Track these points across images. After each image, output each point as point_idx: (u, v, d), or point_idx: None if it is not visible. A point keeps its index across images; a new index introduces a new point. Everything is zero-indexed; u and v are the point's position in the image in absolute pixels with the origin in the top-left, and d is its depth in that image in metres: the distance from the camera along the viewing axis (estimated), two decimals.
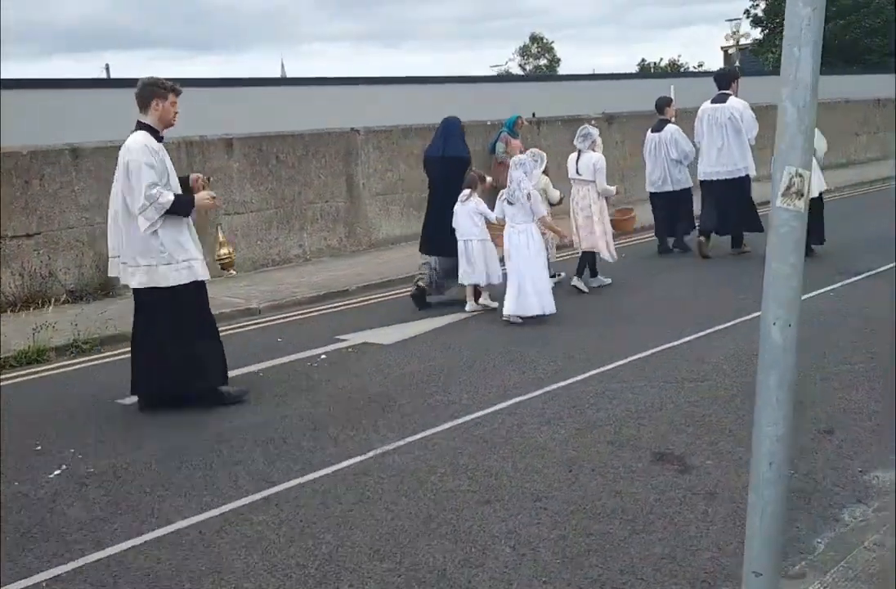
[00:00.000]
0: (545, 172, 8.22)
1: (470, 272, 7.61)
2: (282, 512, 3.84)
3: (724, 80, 9.94)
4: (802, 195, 2.06)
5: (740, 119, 9.54)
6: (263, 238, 10.63)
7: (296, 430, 4.89)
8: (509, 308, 7.09)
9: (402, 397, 5.35)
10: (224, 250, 6.67)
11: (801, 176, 2.04)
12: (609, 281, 8.58)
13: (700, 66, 61.72)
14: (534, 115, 14.56)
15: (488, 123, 13.21)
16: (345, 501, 3.90)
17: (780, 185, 2.07)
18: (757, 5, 32.39)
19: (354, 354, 6.48)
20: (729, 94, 9.80)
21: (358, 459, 4.38)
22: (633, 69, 65.63)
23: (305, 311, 8.19)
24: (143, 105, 5.25)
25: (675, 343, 6.21)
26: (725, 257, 9.76)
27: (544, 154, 7.92)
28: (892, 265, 8.64)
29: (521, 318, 7.10)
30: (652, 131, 10.42)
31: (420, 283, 7.96)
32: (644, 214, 11.06)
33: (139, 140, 5.17)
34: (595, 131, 8.46)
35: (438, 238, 7.87)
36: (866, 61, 29.58)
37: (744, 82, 18.43)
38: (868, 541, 3.13)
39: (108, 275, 5.57)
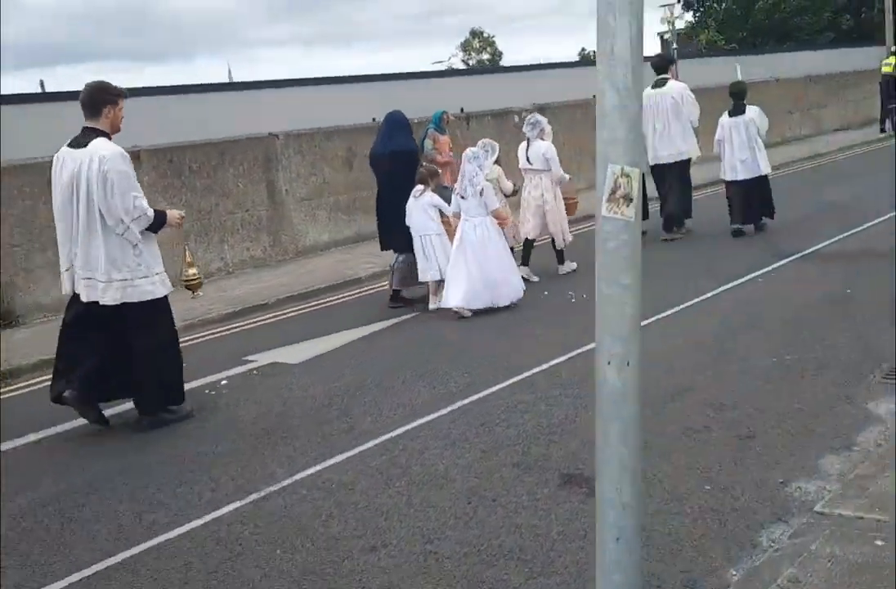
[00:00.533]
0: (497, 162, 8.12)
1: (428, 269, 7.39)
2: (137, 579, 3.36)
3: (662, 65, 9.85)
4: (631, 200, 1.63)
5: (681, 102, 9.44)
6: (180, 254, 10.09)
7: (172, 474, 4.39)
8: (458, 300, 6.92)
9: (299, 427, 4.87)
10: (192, 271, 6.30)
11: (627, 176, 1.61)
12: (575, 265, 8.30)
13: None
14: (462, 110, 14.12)
15: (415, 121, 12.74)
16: (211, 560, 3.43)
17: (603, 188, 1.64)
18: None
19: (258, 378, 5.99)
20: (668, 79, 9.69)
21: (236, 505, 3.91)
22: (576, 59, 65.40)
23: (218, 330, 7.66)
24: (94, 112, 4.90)
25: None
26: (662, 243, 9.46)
27: (496, 144, 7.80)
28: (819, 246, 8.36)
29: (471, 310, 6.95)
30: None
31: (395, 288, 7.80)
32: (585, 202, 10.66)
33: (111, 147, 4.84)
34: (543, 119, 8.28)
35: (403, 233, 7.61)
36: (797, 39, 29.54)
37: (679, 65, 18.20)
38: (782, 577, 2.74)
39: (63, 292, 5.13)
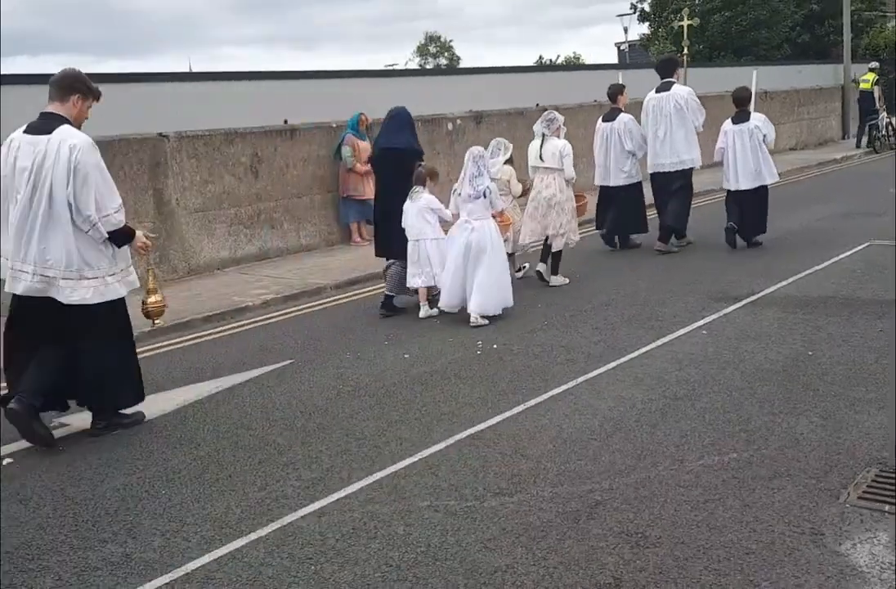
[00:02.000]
0: (510, 162, 7.82)
1: (418, 274, 6.91)
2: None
3: (668, 68, 9.30)
4: None
5: (685, 107, 8.96)
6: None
7: None
8: (476, 306, 6.53)
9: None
10: (154, 297, 6.23)
11: None
12: (567, 281, 7.87)
13: (578, 58, 61.24)
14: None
15: (334, 126, 11.39)
16: None
17: None
18: (643, 0, 31.35)
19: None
20: (673, 82, 9.17)
21: None
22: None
23: None
24: (62, 95, 4.49)
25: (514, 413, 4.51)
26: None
27: (508, 143, 7.57)
28: (778, 286, 7.19)
29: (486, 318, 6.57)
30: (604, 121, 9.43)
31: (388, 293, 7.22)
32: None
33: (81, 136, 4.40)
34: (560, 116, 7.82)
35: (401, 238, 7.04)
36: (754, 53, 28.73)
37: (634, 75, 17.01)
38: None
39: (6, 289, 4.56)
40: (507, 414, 4.52)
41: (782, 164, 17.43)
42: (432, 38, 72.82)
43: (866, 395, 4.55)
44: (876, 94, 21.49)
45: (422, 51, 72.76)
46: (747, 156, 8.85)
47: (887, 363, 5.05)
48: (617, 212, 9.27)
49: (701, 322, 6.20)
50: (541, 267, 7.87)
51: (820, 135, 23.71)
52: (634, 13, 30.78)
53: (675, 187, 9.07)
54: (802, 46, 30.54)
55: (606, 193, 9.40)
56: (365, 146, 10.94)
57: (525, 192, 8.00)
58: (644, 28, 32.88)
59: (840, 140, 24.30)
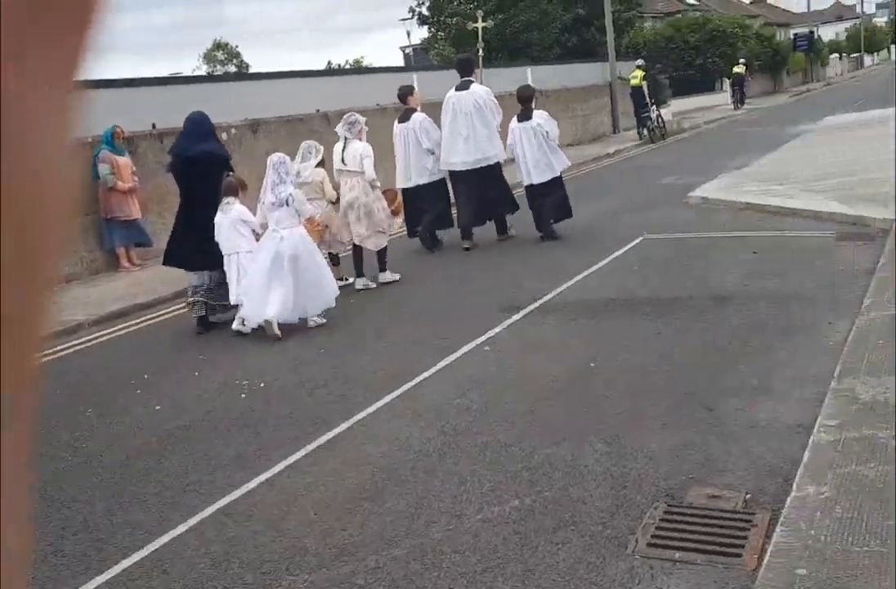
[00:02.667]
0: (321, 165, 7.46)
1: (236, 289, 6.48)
2: None
3: (466, 67, 9.28)
4: None
5: (484, 106, 8.93)
6: None
7: None
8: (274, 312, 6.10)
9: None
10: None
11: None
12: (397, 276, 7.77)
13: (359, 62, 61.12)
14: (154, 126, 11.69)
15: (89, 140, 10.17)
16: None
17: None
18: (422, 3, 31.33)
19: None
20: (472, 81, 9.16)
21: None
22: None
23: None
24: None
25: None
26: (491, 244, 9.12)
27: (319, 145, 7.38)
28: (561, 289, 6.92)
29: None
30: (399, 122, 9.22)
31: (197, 313, 6.68)
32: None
33: None
34: (362, 119, 7.68)
35: (209, 250, 6.58)
36: (528, 54, 29.42)
37: (420, 77, 16.60)
38: None
39: None
40: (266, 475, 3.84)
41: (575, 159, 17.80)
42: (220, 45, 70.22)
43: (649, 408, 4.24)
44: (645, 90, 22.65)
45: (209, 58, 69.97)
46: (534, 151, 8.91)
47: (668, 369, 4.80)
48: (426, 211, 9.09)
49: (485, 337, 5.77)
50: (359, 283, 7.62)
51: (594, 130, 24.51)
52: (413, 18, 30.64)
53: (489, 182, 9.01)
54: (572, 48, 31.57)
55: (412, 195, 9.07)
56: (125, 162, 9.88)
57: (339, 199, 7.74)
58: (425, 32, 32.86)
59: (612, 134, 25.25)
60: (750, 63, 37.42)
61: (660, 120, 22.78)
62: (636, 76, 23.11)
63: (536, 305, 6.51)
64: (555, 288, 6.95)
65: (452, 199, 9.45)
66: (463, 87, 9.05)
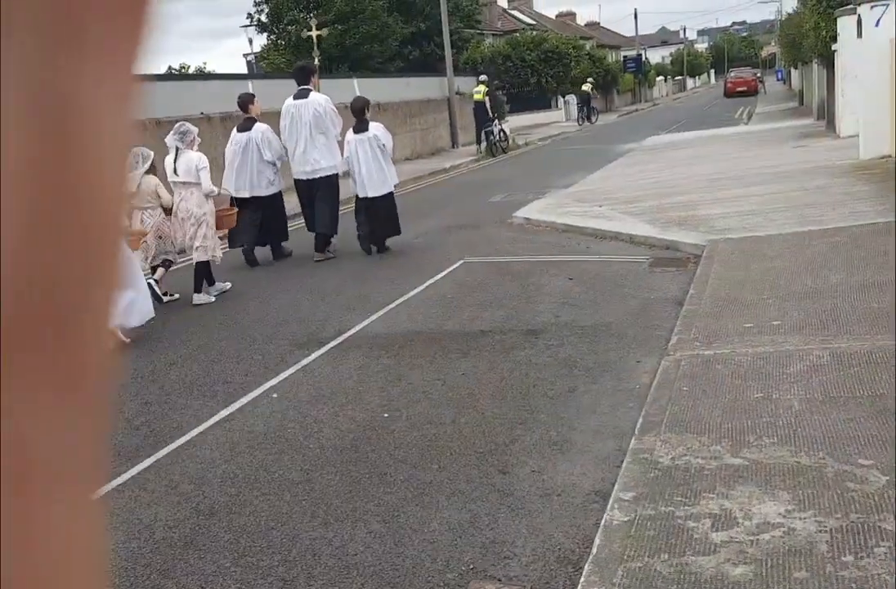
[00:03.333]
0: (153, 172, 6.97)
1: None
2: None
3: (303, 76, 8.94)
4: None
5: (324, 115, 8.68)
6: None
7: None
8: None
9: None
10: None
11: None
12: (228, 285, 7.61)
13: (200, 69, 58.89)
14: None
15: None
16: None
17: None
18: (261, 11, 30.17)
19: None
20: (310, 89, 8.81)
21: None
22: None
23: None
24: None
25: None
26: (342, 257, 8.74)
27: (149, 151, 6.86)
28: (373, 319, 6.32)
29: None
30: (238, 131, 8.74)
31: None
32: None
33: None
34: (194, 128, 7.30)
35: None
36: (369, 66, 28.89)
37: (256, 85, 15.59)
38: None
39: None
40: None
41: (398, 175, 17.27)
42: None
43: (438, 474, 3.69)
44: (488, 104, 22.73)
45: None
46: (370, 164, 8.65)
47: (466, 421, 4.28)
48: (258, 224, 8.71)
49: (276, 380, 5.08)
50: (195, 299, 7.24)
51: (433, 144, 24.23)
52: (251, 25, 29.43)
53: (320, 194, 8.78)
54: (414, 61, 31.32)
55: (244, 206, 8.53)
56: None
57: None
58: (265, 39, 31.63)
59: (451, 149, 25.07)
60: (597, 82, 38.67)
61: (502, 134, 23.17)
62: (479, 91, 23.24)
63: (341, 339, 5.88)
64: (364, 318, 6.35)
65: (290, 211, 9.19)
66: (301, 95, 8.73)
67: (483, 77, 25.19)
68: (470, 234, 9.82)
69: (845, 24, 12.46)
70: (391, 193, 8.90)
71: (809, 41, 15.25)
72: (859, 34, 10.89)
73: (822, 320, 4.82)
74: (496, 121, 22.72)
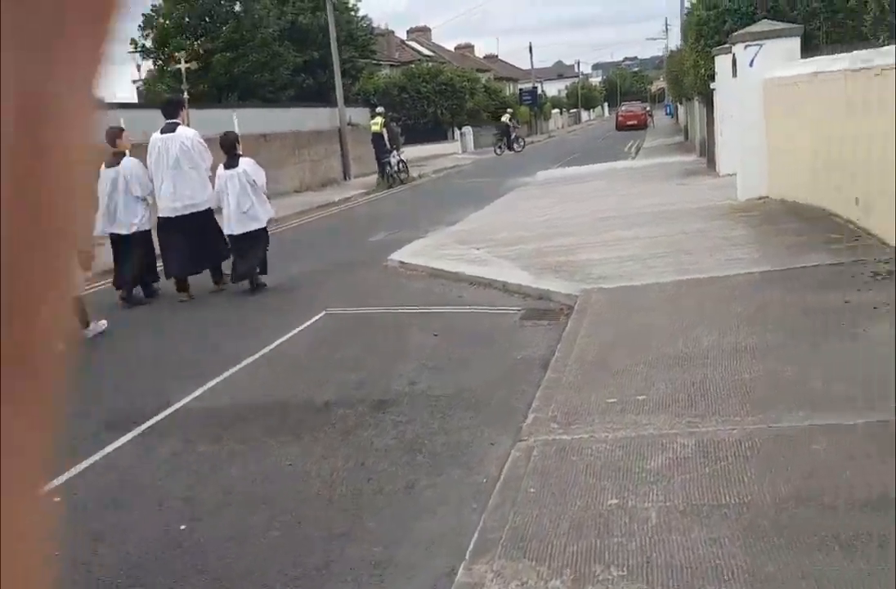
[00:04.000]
0: None
1: None
2: None
3: (171, 109, 8.75)
4: None
5: (192, 149, 8.39)
6: None
7: None
8: None
9: None
10: None
11: None
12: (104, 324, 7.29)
13: None
14: None
15: None
16: None
17: None
18: (147, 35, 28.94)
19: None
20: (178, 123, 8.60)
21: None
22: None
23: None
24: None
25: None
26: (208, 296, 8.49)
27: None
28: (202, 391, 5.52)
29: None
30: (106, 167, 8.33)
31: None
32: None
33: None
34: None
35: None
36: (260, 95, 28.03)
37: (145, 114, 14.46)
38: None
39: None
40: None
41: (283, 208, 16.41)
42: None
43: None
44: (386, 136, 22.43)
45: None
46: (239, 200, 8.42)
47: (277, 535, 3.54)
48: (131, 262, 8.42)
49: (66, 477, 4.21)
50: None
51: (324, 176, 23.52)
52: (136, 51, 28.17)
53: (199, 229, 8.48)
54: (308, 89, 30.57)
55: (117, 242, 8.45)
56: None
57: None
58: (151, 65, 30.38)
59: (343, 181, 24.39)
60: (515, 113, 38.76)
61: (401, 165, 22.90)
62: (376, 123, 22.82)
63: (161, 416, 5.06)
64: (196, 387, 5.55)
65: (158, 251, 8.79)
66: (169, 129, 8.48)
67: (380, 109, 24.79)
68: (341, 279, 9.13)
69: (722, 64, 12.43)
70: (261, 230, 8.61)
71: (689, 79, 15.30)
72: (734, 74, 10.79)
73: (691, 395, 4.30)
74: (394, 152, 22.60)
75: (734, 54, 10.68)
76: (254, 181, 8.45)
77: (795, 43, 10.28)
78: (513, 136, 34.46)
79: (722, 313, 5.75)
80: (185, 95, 19.03)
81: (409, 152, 26.91)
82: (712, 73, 13.62)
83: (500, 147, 33.75)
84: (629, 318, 6.03)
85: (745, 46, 10.42)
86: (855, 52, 7.92)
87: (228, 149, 8.51)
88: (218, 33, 27.21)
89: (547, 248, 9.04)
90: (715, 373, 4.57)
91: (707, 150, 16.22)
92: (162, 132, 8.51)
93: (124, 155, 8.46)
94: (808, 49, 10.79)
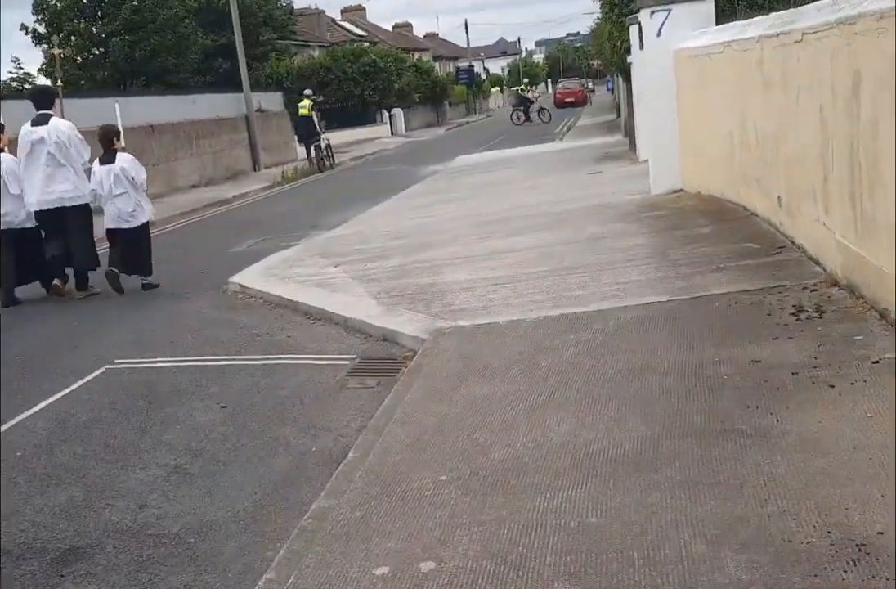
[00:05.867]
0: None
1: None
2: None
3: (44, 100, 8.20)
4: None
5: (68, 142, 7.84)
6: None
7: None
8: None
9: None
10: None
11: None
12: None
13: None
14: None
15: None
16: None
17: None
18: (42, 19, 26.25)
19: None
20: (51, 115, 8.07)
21: None
22: None
23: None
24: None
25: None
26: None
27: None
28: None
29: None
30: None
31: None
32: None
33: None
34: None
35: None
36: (168, 82, 25.64)
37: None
38: None
39: None
40: None
41: (164, 208, 14.37)
42: None
43: None
44: (315, 119, 21.60)
45: None
46: (116, 197, 7.92)
47: None
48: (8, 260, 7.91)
49: None
50: None
51: (230, 167, 21.41)
52: (27, 34, 25.49)
53: (73, 224, 7.95)
54: (225, 75, 28.14)
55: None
56: None
57: None
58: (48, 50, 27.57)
59: (253, 171, 22.31)
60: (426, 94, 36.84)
61: (329, 149, 22.02)
62: (304, 106, 21.80)
63: None
64: None
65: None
66: (41, 121, 7.90)
67: (308, 91, 23.40)
68: (159, 311, 7.29)
69: (635, 35, 10.69)
70: (141, 227, 8.10)
71: (606, 52, 13.55)
72: (641, 46, 9.06)
73: (498, 563, 2.59)
74: (324, 134, 21.89)
75: (640, 23, 8.94)
76: (132, 178, 7.96)
77: (709, 6, 8.56)
78: (534, 107, 33.85)
79: (589, 384, 4.03)
80: (59, 84, 16.83)
81: (335, 137, 24.85)
82: (629, 46, 11.89)
83: (517, 116, 33.42)
84: (468, 384, 4.29)
85: (652, 13, 8.69)
86: (773, 13, 6.23)
87: (105, 143, 8.05)
88: (115, 15, 24.69)
89: (412, 265, 7.27)
90: (549, 513, 2.85)
91: (630, 132, 14.54)
92: (33, 124, 7.92)
93: (1, 151, 8.09)
94: (727, 15, 9.12)
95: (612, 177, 11.14)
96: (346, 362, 5.34)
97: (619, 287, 5.55)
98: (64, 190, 7.89)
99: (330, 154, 22.05)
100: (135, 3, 24.45)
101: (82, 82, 25.69)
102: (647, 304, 5.08)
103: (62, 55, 19.14)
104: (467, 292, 6.10)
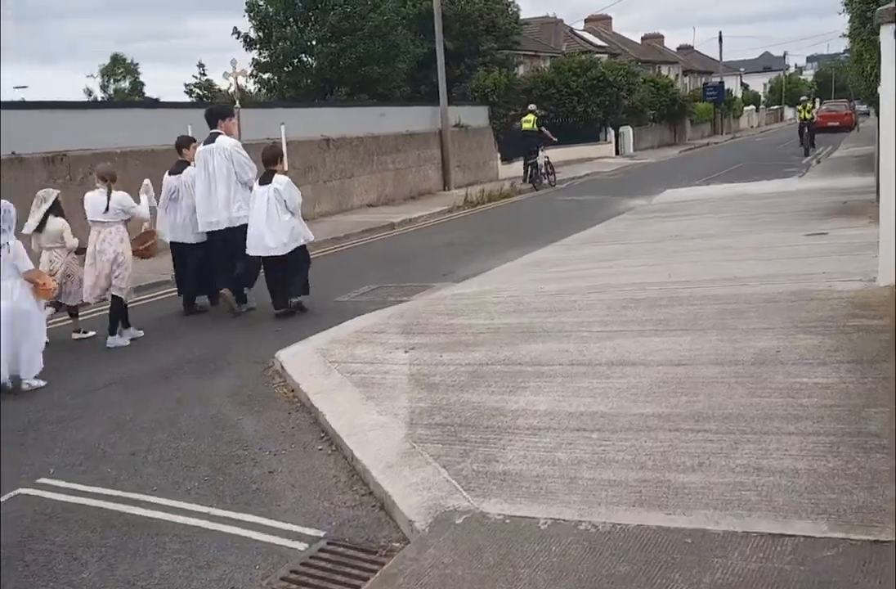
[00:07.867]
0: (58, 214, 7.17)
1: None
2: None
3: (212, 119, 8.38)
4: None
5: (231, 161, 8.02)
6: None
7: None
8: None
9: None
10: None
11: None
12: (141, 332, 7.45)
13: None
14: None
15: None
16: None
17: None
18: (255, 26, 26.82)
19: None
20: (219, 133, 8.26)
21: None
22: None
23: None
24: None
25: None
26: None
27: (53, 190, 7.24)
28: None
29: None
30: (169, 174, 8.57)
31: None
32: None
33: None
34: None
35: None
36: (374, 92, 25.30)
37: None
38: None
39: None
40: None
41: (319, 231, 13.49)
42: (117, 60, 65.99)
43: None
44: (546, 133, 21.62)
45: (108, 72, 65.63)
46: (263, 220, 7.86)
47: None
48: (193, 272, 8.41)
49: None
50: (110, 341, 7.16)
51: (415, 187, 20.41)
52: (238, 39, 25.98)
53: (226, 248, 8.15)
54: (435, 85, 27.47)
55: (180, 251, 8.57)
56: None
57: (83, 250, 7.25)
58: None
59: (442, 191, 21.17)
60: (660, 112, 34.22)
61: (548, 166, 21.61)
62: (528, 120, 21.56)
63: None
64: None
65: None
66: (210, 140, 8.25)
67: (532, 106, 23.00)
68: (182, 389, 6.00)
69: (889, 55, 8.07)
70: (301, 249, 8.08)
71: (853, 78, 10.80)
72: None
73: None
74: (543, 152, 21.38)
75: (879, 40, 6.50)
76: (285, 201, 7.85)
77: None
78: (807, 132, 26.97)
79: None
80: (237, 105, 16.30)
81: (554, 155, 23.31)
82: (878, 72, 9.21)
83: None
84: None
85: None
86: None
87: (268, 163, 8.09)
88: (324, 21, 24.66)
89: (494, 367, 5.41)
90: None
91: (877, 177, 11.59)
92: (205, 143, 8.29)
93: (188, 164, 8.47)
94: None
95: (833, 244, 8.54)
96: (303, 547, 3.65)
97: (756, 479, 3.40)
98: (218, 210, 8.13)
99: (550, 171, 21.72)
100: (347, 8, 24.25)
101: (286, 88, 25.99)
102: (787, 539, 2.93)
103: (253, 73, 18.97)
104: (530, 439, 4.19)
